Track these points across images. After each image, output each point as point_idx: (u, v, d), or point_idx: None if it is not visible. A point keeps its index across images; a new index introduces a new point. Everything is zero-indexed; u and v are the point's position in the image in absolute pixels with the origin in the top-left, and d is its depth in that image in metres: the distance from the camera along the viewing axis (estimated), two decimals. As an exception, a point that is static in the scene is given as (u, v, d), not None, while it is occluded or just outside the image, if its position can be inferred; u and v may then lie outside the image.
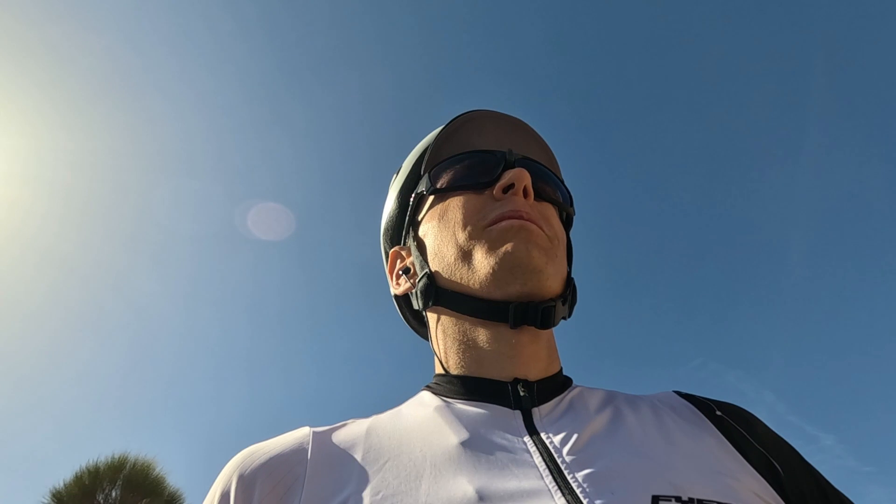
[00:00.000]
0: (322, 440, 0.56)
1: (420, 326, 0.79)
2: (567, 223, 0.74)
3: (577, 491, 0.45)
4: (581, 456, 0.49)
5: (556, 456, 0.50)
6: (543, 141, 0.75)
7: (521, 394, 0.58)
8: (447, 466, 0.49)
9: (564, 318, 0.65)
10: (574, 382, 0.65)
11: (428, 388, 0.65)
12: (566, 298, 0.64)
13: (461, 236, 0.62)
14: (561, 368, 0.66)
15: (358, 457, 0.53)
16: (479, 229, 0.61)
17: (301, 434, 0.57)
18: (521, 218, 0.60)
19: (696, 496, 0.46)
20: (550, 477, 0.47)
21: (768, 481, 0.53)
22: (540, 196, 0.66)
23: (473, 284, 0.60)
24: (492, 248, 0.59)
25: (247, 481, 0.52)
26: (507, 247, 0.59)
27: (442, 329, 0.66)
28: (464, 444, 0.52)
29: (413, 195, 0.72)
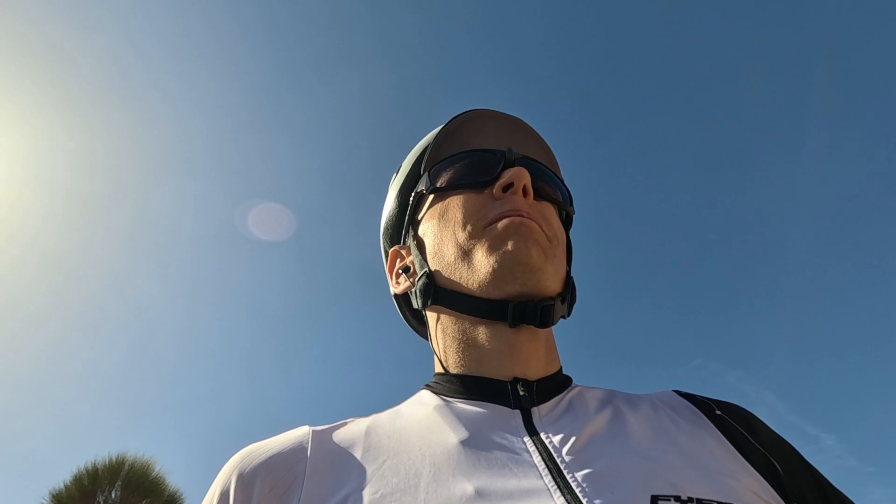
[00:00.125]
0: (322, 439, 0.56)
1: (420, 325, 0.79)
2: (567, 222, 0.74)
3: (577, 491, 0.45)
4: (580, 456, 0.49)
5: (555, 455, 0.50)
6: (543, 140, 0.75)
7: (521, 393, 0.58)
8: (446, 465, 0.49)
9: (563, 317, 0.65)
10: (574, 382, 0.65)
11: (427, 387, 0.65)
12: (565, 297, 0.64)
13: (461, 235, 0.62)
14: (560, 368, 0.66)
15: (357, 456, 0.53)
16: (479, 228, 0.61)
17: (301, 433, 0.57)
18: (520, 216, 0.60)
19: (695, 496, 0.46)
20: (550, 476, 0.47)
21: (768, 481, 0.53)
22: (539, 195, 0.66)
23: (473, 283, 0.60)
24: (492, 248, 0.59)
25: (246, 480, 0.52)
26: (508, 246, 0.59)
27: (441, 328, 0.65)
28: (463, 443, 0.52)
29: (413, 194, 0.72)
